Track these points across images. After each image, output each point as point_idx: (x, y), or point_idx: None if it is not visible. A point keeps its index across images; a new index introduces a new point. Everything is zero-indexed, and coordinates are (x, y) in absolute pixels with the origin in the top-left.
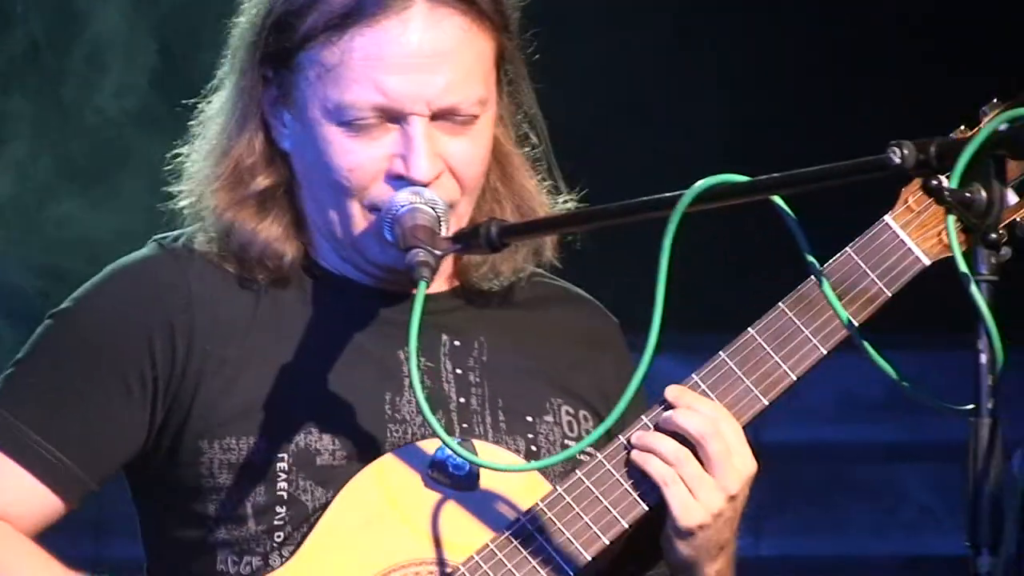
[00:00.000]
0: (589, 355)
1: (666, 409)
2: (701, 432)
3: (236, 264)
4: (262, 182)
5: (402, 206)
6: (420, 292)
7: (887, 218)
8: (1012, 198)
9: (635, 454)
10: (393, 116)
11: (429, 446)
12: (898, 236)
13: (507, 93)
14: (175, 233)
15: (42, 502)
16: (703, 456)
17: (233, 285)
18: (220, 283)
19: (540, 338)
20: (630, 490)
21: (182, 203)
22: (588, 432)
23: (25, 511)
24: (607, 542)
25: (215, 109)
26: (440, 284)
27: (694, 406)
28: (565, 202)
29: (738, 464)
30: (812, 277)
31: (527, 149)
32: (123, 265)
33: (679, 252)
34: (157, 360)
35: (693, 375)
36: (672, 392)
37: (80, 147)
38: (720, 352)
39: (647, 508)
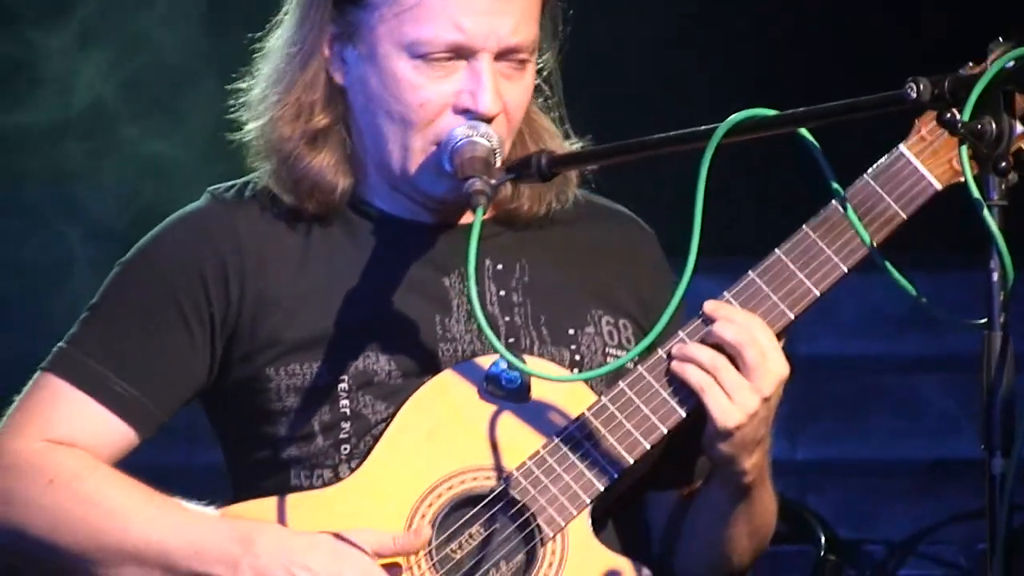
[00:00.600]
0: (627, 267)
1: (703, 323)
2: (738, 340)
3: (292, 197)
4: (321, 120)
5: (462, 139)
6: (477, 218)
7: (902, 147)
8: (1019, 127)
9: (675, 364)
10: (464, 53)
11: (484, 362)
12: (912, 163)
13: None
14: (227, 184)
15: (116, 433)
16: (740, 362)
17: (283, 226)
18: (270, 226)
19: (579, 254)
20: (669, 398)
21: (246, 136)
22: (628, 340)
23: (101, 442)
24: (648, 446)
25: (279, 44)
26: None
27: (730, 316)
28: (574, 144)
29: (772, 367)
30: (834, 202)
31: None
32: (178, 215)
33: (714, 182)
34: (212, 298)
35: (725, 292)
36: (709, 306)
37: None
38: (750, 271)
39: (684, 415)
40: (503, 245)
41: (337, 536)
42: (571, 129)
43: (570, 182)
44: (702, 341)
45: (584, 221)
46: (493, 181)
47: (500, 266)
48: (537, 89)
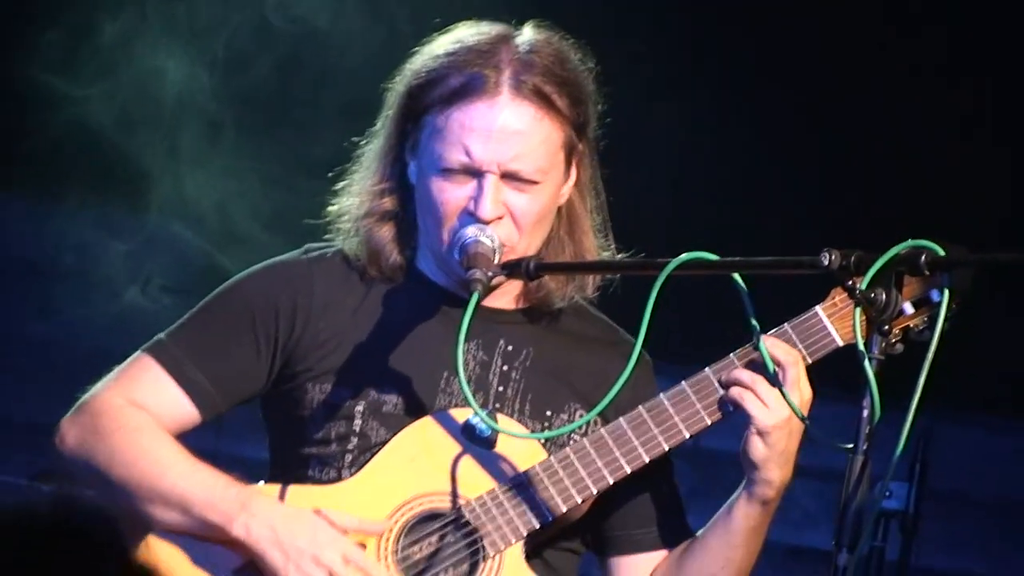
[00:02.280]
0: (614, 375)
1: (736, 360)
2: (786, 359)
3: (365, 258)
4: (388, 204)
5: (469, 238)
6: (472, 300)
7: (817, 308)
8: (909, 309)
9: (724, 383)
10: (473, 171)
11: (466, 413)
12: (823, 322)
13: (585, 168)
14: (321, 244)
15: (182, 410)
16: (782, 378)
17: (349, 283)
18: (340, 281)
19: (576, 356)
20: (602, 468)
21: (340, 206)
22: (593, 433)
23: (168, 414)
24: (579, 500)
25: (372, 149)
26: (509, 303)
27: (779, 345)
28: (609, 247)
29: (803, 388)
30: (753, 337)
31: (598, 216)
32: (276, 260)
33: (688, 304)
34: (280, 328)
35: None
36: (765, 336)
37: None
38: (683, 382)
39: (611, 482)
40: (520, 332)
41: (316, 512)
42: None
43: (587, 288)
44: (753, 361)
45: (587, 332)
46: (489, 273)
47: (511, 348)
48: (583, 205)
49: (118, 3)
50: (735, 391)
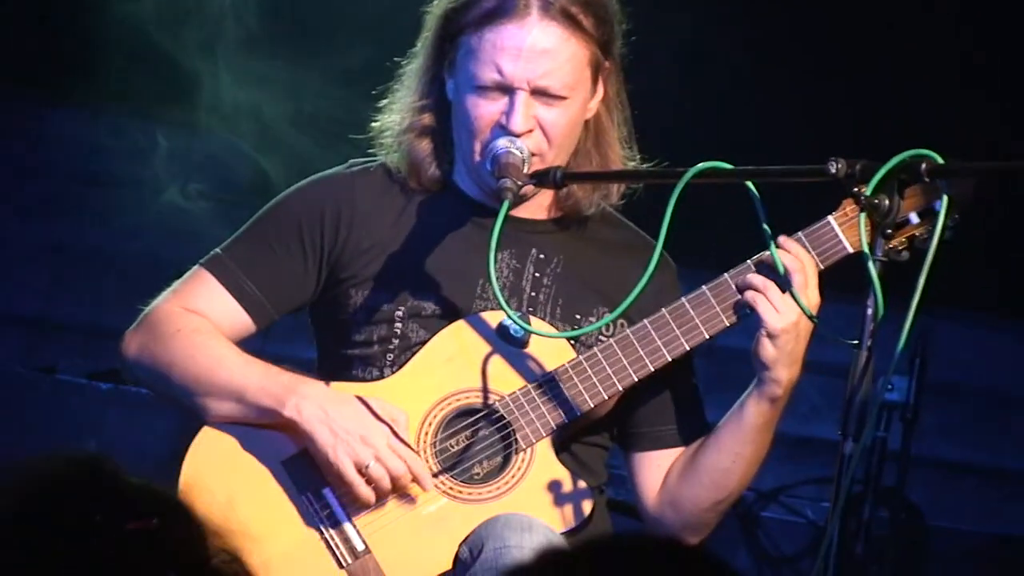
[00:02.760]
0: (639, 279)
1: (753, 264)
2: (792, 266)
3: (405, 170)
4: (427, 119)
5: (500, 149)
6: (503, 208)
7: (830, 218)
8: (914, 219)
9: (739, 287)
10: (505, 88)
11: (499, 316)
12: (835, 230)
13: (612, 83)
14: (364, 159)
15: (237, 318)
16: (792, 282)
17: (390, 194)
18: (381, 193)
19: (604, 262)
20: (628, 365)
21: (382, 122)
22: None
23: (227, 323)
24: (606, 397)
25: (412, 68)
26: (540, 213)
27: (793, 250)
28: (635, 156)
29: (810, 294)
30: (771, 248)
31: (624, 129)
32: (319, 175)
33: (712, 211)
34: (326, 234)
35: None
36: (780, 239)
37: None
38: (703, 286)
39: (636, 379)
40: (551, 241)
41: (360, 399)
42: (639, 143)
43: (612, 195)
44: (762, 263)
45: (616, 238)
46: (520, 182)
47: (542, 256)
48: (608, 119)
49: None
50: (749, 294)
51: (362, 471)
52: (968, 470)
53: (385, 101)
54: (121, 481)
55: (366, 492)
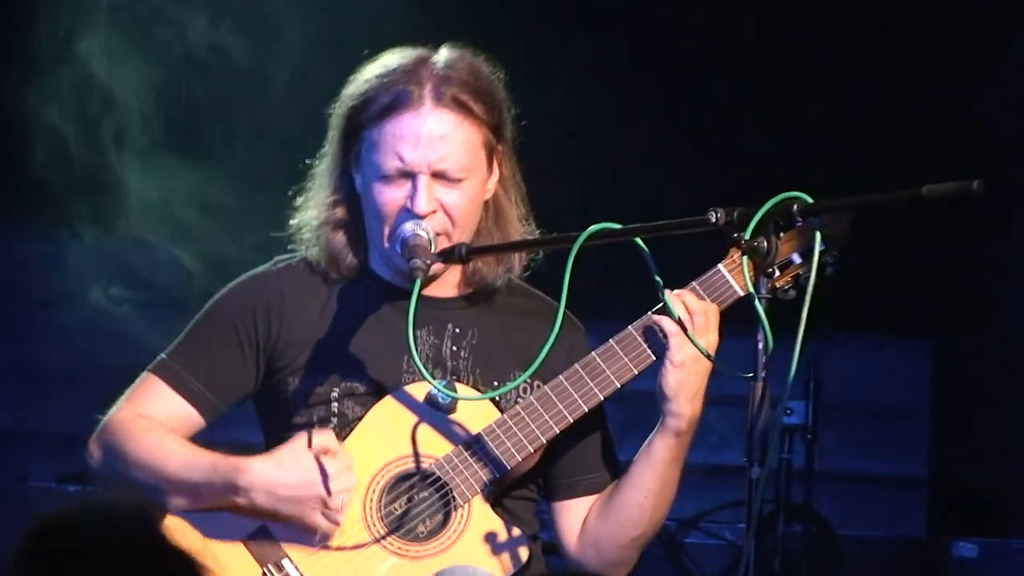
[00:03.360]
0: (544, 339)
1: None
2: (695, 308)
3: (324, 263)
4: (339, 213)
5: (407, 231)
6: (415, 286)
7: (719, 265)
8: (797, 259)
9: (653, 321)
10: (407, 174)
11: (426, 387)
12: (725, 277)
13: (506, 164)
14: (287, 256)
15: (190, 416)
16: (690, 324)
17: (313, 285)
18: (306, 285)
19: (515, 330)
20: (549, 420)
21: (300, 219)
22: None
23: (178, 421)
24: (531, 450)
25: (322, 167)
26: (452, 291)
27: (684, 299)
28: (533, 230)
29: (711, 335)
30: (663, 297)
31: (522, 206)
32: (247, 275)
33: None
34: (259, 329)
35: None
36: (675, 293)
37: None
38: (610, 340)
39: (558, 431)
40: (464, 315)
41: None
42: (536, 218)
43: (515, 267)
44: (668, 311)
45: (523, 306)
46: (428, 261)
47: (458, 330)
48: (506, 195)
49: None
50: (666, 325)
51: (322, 515)
52: (868, 480)
53: (300, 200)
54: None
55: (330, 528)
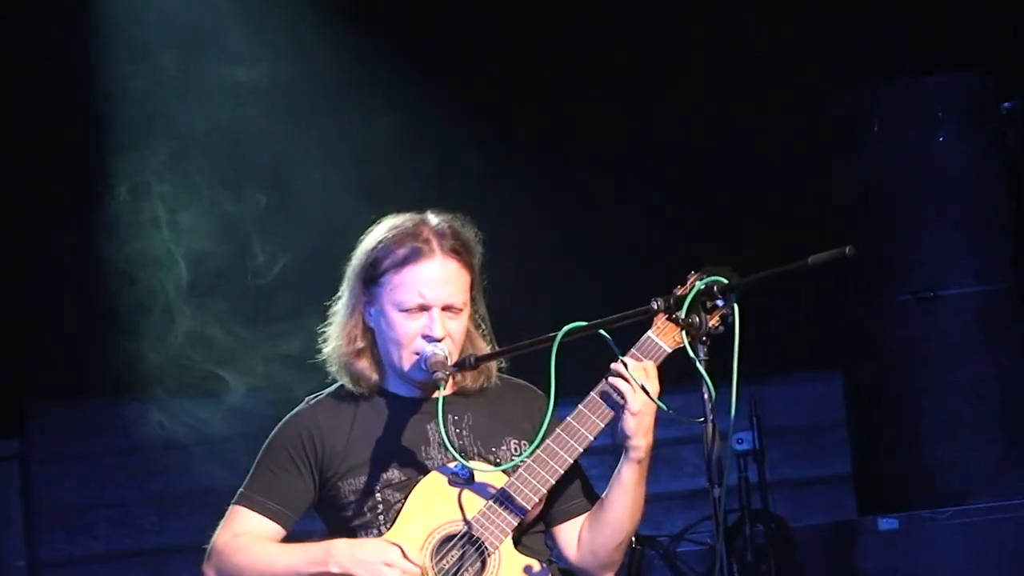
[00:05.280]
0: (527, 410)
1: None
2: (635, 367)
3: (350, 383)
4: (359, 342)
5: (428, 352)
6: (441, 391)
7: (648, 333)
8: (720, 303)
9: (611, 385)
10: (425, 307)
11: (450, 466)
12: (654, 340)
13: (475, 300)
14: (317, 393)
15: (272, 529)
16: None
17: (342, 409)
18: (335, 411)
19: (500, 406)
20: (547, 476)
21: (327, 351)
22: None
23: (265, 534)
24: (537, 500)
25: (339, 307)
26: (448, 390)
27: (630, 364)
28: (492, 347)
29: (652, 384)
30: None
31: (483, 324)
32: (290, 414)
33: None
34: (308, 452)
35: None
36: (618, 364)
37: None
38: (580, 405)
39: (553, 482)
40: (458, 407)
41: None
42: (495, 338)
43: (492, 370)
44: (617, 373)
45: (505, 389)
46: (447, 372)
47: (456, 417)
48: (475, 317)
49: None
50: (621, 385)
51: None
52: (808, 482)
53: (324, 335)
54: None
55: None
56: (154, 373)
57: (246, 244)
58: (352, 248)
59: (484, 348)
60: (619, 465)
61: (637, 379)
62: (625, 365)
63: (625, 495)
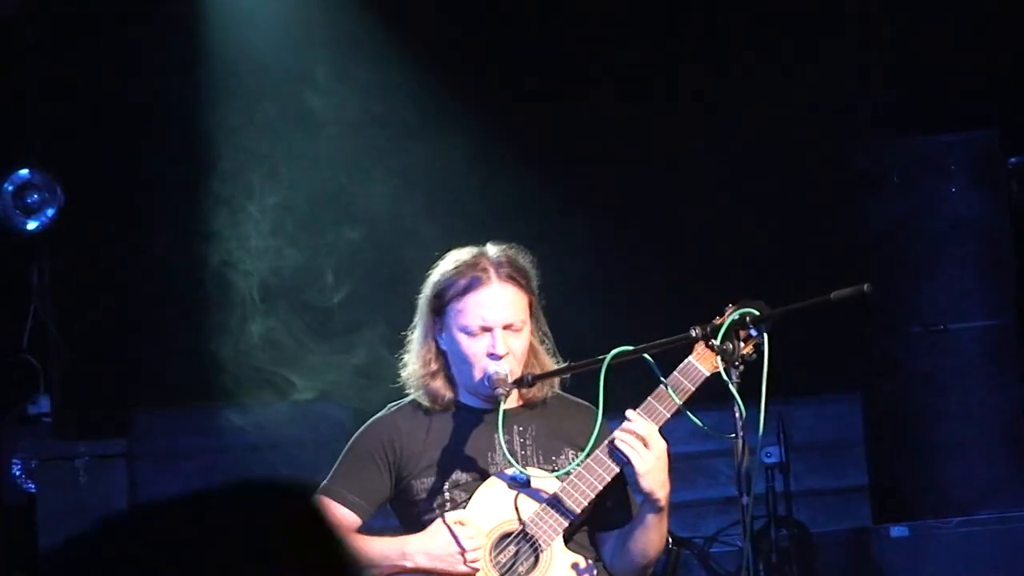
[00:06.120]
0: (586, 425)
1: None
2: (642, 432)
3: (428, 401)
4: (433, 365)
5: (491, 371)
6: (502, 405)
7: (690, 358)
8: (754, 332)
9: (616, 444)
10: (487, 329)
11: (509, 472)
12: (696, 366)
13: (538, 315)
14: (398, 401)
15: (351, 521)
16: (644, 441)
17: (419, 416)
18: (413, 418)
19: (561, 421)
20: (595, 481)
21: (405, 374)
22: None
23: (345, 524)
24: (587, 504)
25: (415, 335)
26: (513, 402)
27: (637, 421)
28: (558, 363)
29: (657, 445)
30: (662, 385)
31: (548, 341)
32: (373, 418)
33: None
34: (387, 453)
35: (633, 411)
36: (631, 414)
37: None
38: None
39: (601, 488)
40: (524, 419)
41: (445, 526)
42: (559, 354)
43: (554, 385)
44: (627, 430)
45: (564, 406)
46: (507, 388)
47: (521, 428)
48: (537, 334)
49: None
50: (624, 449)
51: (458, 564)
52: (828, 493)
53: (403, 360)
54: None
55: (465, 572)
56: (241, 382)
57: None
58: (410, 269)
59: (548, 362)
60: (641, 509)
61: (645, 438)
62: (633, 435)
63: (646, 532)
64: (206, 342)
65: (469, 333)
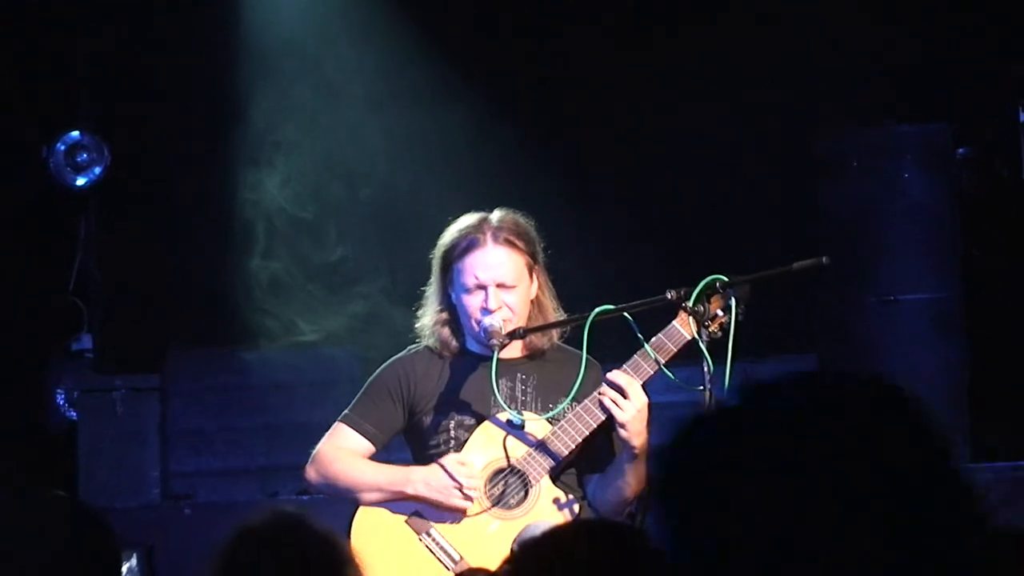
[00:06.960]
0: (576, 373)
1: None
2: (623, 385)
3: (438, 347)
4: (443, 315)
5: (486, 324)
6: (495, 354)
7: (674, 322)
8: (720, 313)
9: (601, 396)
10: (481, 286)
11: (505, 415)
12: (678, 329)
13: (541, 277)
14: (414, 345)
15: (366, 446)
16: (624, 395)
17: (434, 360)
18: (428, 361)
19: (559, 371)
20: (583, 427)
21: (420, 323)
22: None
23: (360, 450)
24: (574, 446)
25: (429, 290)
26: (517, 354)
27: (620, 376)
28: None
29: (638, 398)
30: (644, 346)
31: (554, 301)
32: (393, 358)
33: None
34: (403, 390)
35: (622, 367)
36: (612, 374)
37: None
38: (624, 364)
39: (588, 433)
40: (526, 368)
41: (442, 465)
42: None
43: (553, 337)
44: (610, 384)
45: (563, 356)
46: (502, 339)
47: (523, 376)
48: (543, 291)
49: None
50: (607, 402)
51: (455, 496)
52: None
53: (419, 311)
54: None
55: (461, 505)
56: (264, 327)
57: (324, 224)
58: (409, 232)
59: (552, 317)
60: (619, 454)
61: (626, 390)
62: (617, 389)
63: (624, 475)
64: (232, 289)
65: (467, 290)
